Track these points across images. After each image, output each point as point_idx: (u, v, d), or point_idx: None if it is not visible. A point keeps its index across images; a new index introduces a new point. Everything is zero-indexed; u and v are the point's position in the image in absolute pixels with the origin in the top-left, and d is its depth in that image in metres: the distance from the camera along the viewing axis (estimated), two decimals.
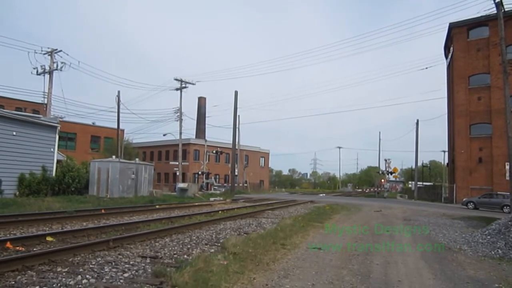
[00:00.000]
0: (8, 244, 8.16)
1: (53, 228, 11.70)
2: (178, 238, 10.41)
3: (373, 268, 7.97)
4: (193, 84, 44.50)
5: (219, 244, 9.53)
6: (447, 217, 21.20)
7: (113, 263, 7.12)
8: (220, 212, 18.81)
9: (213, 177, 57.54)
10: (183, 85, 43.93)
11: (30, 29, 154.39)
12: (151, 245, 9.23)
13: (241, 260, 7.59)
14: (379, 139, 67.61)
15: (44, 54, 32.03)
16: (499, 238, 11.21)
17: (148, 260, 7.54)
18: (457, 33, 43.39)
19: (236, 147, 45.64)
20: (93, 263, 7.10)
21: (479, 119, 40.95)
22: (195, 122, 69.95)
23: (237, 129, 44.87)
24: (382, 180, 67.67)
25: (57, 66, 31.85)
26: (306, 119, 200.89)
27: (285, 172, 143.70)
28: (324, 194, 59.04)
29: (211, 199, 29.98)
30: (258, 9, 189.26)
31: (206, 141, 58.40)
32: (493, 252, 10.21)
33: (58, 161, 26.50)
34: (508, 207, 26.66)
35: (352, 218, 18.91)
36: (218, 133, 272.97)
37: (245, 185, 59.41)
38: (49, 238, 9.26)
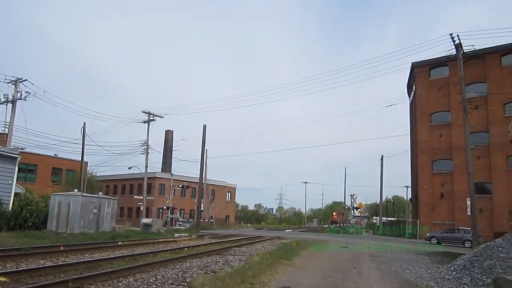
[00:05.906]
0: None
1: (7, 267, 10.97)
2: (142, 277, 9.97)
3: None
4: (161, 117, 44.14)
5: (185, 284, 9.18)
6: (412, 253, 21.41)
7: None
8: (185, 249, 18.27)
9: (178, 212, 56.37)
10: (151, 118, 43.51)
11: None
12: (114, 285, 8.79)
13: None
14: (345, 174, 68.86)
15: (8, 83, 31.12)
16: (464, 274, 11.35)
17: None
18: (419, 72, 45.47)
19: (203, 182, 45.13)
20: None
21: (440, 155, 42.41)
22: (161, 155, 69.02)
23: (204, 164, 44.52)
24: (334, 213, 68.66)
25: (21, 95, 30.96)
26: (272, 154, 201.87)
27: (251, 207, 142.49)
28: (290, 230, 58.78)
29: (176, 235, 29.19)
30: (228, 44, 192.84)
31: (172, 175, 57.46)
32: None
33: (16, 194, 25.31)
34: (469, 242, 27.30)
35: (320, 254, 18.78)
36: (184, 167, 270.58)
37: (211, 220, 58.42)
38: (1, 278, 8.66)
